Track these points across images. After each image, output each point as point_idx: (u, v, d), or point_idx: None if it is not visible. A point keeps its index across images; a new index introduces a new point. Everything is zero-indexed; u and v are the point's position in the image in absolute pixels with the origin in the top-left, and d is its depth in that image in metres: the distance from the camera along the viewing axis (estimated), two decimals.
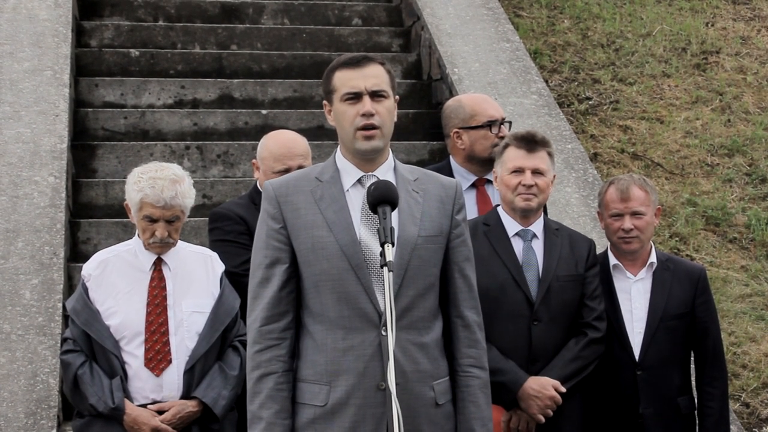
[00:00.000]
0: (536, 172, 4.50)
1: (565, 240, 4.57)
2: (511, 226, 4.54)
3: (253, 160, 5.09)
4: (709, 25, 9.67)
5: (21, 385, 5.52)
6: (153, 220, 4.55)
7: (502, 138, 5.00)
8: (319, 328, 3.54)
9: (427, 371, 3.54)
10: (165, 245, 4.60)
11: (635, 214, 4.63)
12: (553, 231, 4.59)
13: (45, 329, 5.79)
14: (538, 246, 4.54)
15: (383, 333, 3.39)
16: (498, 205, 4.64)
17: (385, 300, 3.34)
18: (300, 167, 4.84)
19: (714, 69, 9.08)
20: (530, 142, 4.53)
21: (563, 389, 4.41)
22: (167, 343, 4.53)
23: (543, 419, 4.41)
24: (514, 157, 4.52)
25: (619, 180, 4.71)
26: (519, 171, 4.50)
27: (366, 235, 3.53)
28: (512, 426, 4.45)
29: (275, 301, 3.56)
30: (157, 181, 4.55)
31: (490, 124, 5.01)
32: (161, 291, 4.58)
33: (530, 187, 4.49)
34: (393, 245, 3.40)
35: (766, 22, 9.82)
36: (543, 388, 4.39)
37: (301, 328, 3.59)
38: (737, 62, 9.17)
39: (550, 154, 4.57)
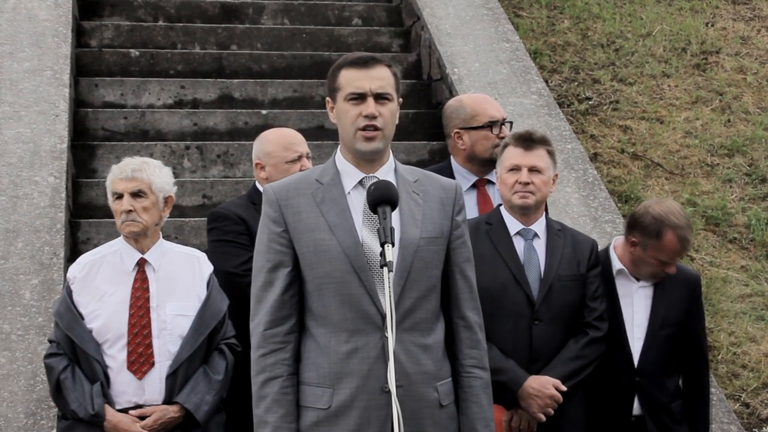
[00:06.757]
0: (533, 169, 4.48)
1: (568, 240, 4.56)
2: (513, 225, 4.54)
3: (256, 161, 5.08)
4: (709, 25, 9.66)
5: (21, 385, 5.51)
6: (119, 196, 4.50)
7: (502, 138, 5.01)
8: (322, 331, 3.53)
9: (431, 372, 3.53)
10: (133, 223, 4.49)
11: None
12: (555, 231, 4.58)
13: (45, 329, 5.78)
14: (540, 245, 4.54)
15: (386, 335, 3.37)
16: (500, 205, 4.64)
17: (386, 300, 3.34)
18: (307, 154, 5.02)
19: (714, 69, 9.07)
20: (527, 141, 4.53)
21: (564, 388, 4.41)
22: (150, 345, 4.47)
23: (543, 418, 4.41)
24: (511, 155, 4.52)
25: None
26: (516, 169, 4.49)
27: (368, 238, 3.52)
28: (513, 425, 4.45)
29: (278, 305, 3.54)
30: (126, 161, 4.59)
31: (491, 125, 5.01)
32: (144, 293, 4.52)
33: (526, 184, 4.47)
34: (393, 245, 3.40)
35: (766, 22, 9.81)
36: (543, 387, 4.39)
37: (304, 331, 3.58)
38: (737, 62, 9.16)
39: (550, 153, 4.54)
